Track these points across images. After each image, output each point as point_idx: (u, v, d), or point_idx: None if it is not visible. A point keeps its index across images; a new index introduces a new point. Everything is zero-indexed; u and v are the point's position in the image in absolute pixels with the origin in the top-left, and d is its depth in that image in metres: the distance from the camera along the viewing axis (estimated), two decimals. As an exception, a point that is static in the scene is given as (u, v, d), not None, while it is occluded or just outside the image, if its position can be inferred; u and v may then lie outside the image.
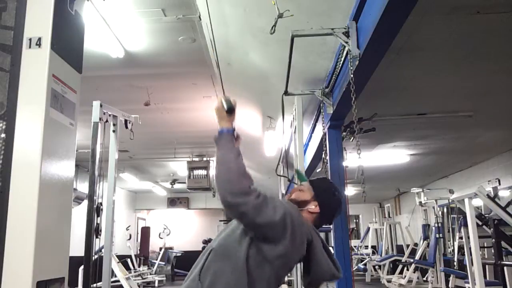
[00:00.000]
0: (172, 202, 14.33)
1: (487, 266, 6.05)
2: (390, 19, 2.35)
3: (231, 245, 1.54)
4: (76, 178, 8.60)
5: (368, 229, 13.20)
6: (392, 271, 11.11)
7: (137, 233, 14.46)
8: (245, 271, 1.47)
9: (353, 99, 2.93)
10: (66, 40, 1.76)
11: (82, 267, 4.40)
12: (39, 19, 1.67)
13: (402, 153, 7.38)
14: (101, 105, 3.64)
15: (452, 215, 9.18)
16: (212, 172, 8.65)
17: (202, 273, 1.51)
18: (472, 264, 5.06)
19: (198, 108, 5.91)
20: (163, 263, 12.95)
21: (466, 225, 5.25)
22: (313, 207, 1.69)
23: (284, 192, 6.50)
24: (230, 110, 1.59)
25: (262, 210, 1.46)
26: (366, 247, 12.77)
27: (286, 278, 7.61)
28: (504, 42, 3.39)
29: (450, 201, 8.38)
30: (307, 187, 1.76)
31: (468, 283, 5.72)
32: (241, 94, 5.44)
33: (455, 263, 7.44)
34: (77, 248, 3.07)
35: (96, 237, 3.39)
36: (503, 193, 7.38)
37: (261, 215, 1.45)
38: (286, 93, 4.02)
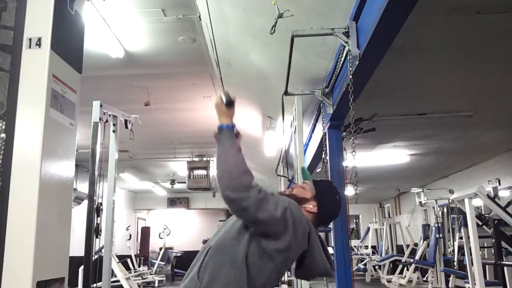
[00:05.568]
0: (172, 202, 14.33)
1: (487, 266, 6.05)
2: (390, 19, 2.35)
3: (230, 242, 1.53)
4: (76, 178, 8.59)
5: (368, 229, 13.20)
6: (392, 271, 11.10)
7: (137, 233, 14.46)
8: (245, 267, 1.46)
9: (351, 100, 2.93)
10: (66, 40, 1.76)
11: (82, 267, 4.41)
12: (39, 19, 1.67)
13: (402, 153, 7.38)
14: (101, 105, 3.64)
15: (452, 215, 9.17)
16: (212, 172, 8.65)
17: (200, 271, 1.49)
18: (472, 264, 5.06)
19: (198, 108, 5.90)
20: (163, 263, 12.94)
21: (466, 225, 5.25)
22: (311, 206, 1.68)
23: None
24: (229, 103, 1.57)
25: (263, 205, 1.45)
26: (366, 247, 12.76)
27: (286, 278, 7.60)
28: (504, 42, 3.39)
29: (450, 201, 8.39)
30: (309, 186, 1.75)
31: (468, 283, 5.72)
32: (241, 94, 5.44)
33: (455, 263, 7.43)
34: (77, 248, 3.08)
35: (96, 237, 3.39)
36: (503, 193, 7.37)
37: (262, 210, 1.44)
38: (286, 93, 4.02)
